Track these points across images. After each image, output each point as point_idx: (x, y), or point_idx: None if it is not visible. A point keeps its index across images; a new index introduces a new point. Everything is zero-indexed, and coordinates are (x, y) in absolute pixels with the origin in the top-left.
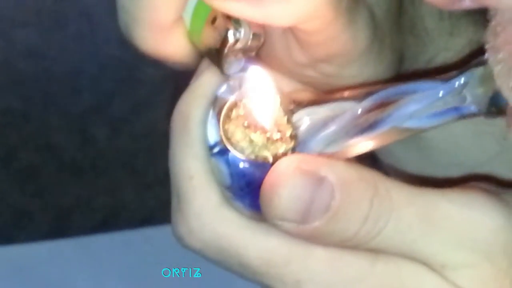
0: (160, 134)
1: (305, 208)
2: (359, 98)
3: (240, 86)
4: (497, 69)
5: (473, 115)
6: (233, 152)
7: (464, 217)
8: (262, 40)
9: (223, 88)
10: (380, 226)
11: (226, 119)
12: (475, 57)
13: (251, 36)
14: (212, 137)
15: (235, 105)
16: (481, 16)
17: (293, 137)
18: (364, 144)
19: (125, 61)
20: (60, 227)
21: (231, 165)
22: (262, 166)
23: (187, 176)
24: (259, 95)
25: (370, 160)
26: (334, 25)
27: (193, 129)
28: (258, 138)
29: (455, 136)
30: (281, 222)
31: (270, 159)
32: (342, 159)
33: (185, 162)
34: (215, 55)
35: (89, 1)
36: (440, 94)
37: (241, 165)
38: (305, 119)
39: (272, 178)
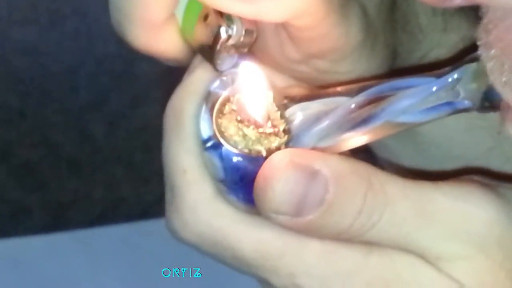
0: (157, 129)
1: (299, 201)
2: (352, 93)
3: (233, 81)
4: (489, 66)
5: (466, 110)
6: (227, 147)
7: (458, 209)
8: (254, 36)
9: (216, 83)
10: (374, 219)
11: (219, 114)
12: (468, 53)
13: (243, 32)
14: (205, 132)
15: (228, 100)
16: (475, 12)
17: (287, 131)
18: (357, 139)
19: (121, 58)
20: (58, 221)
21: (225, 159)
22: (256, 160)
23: (180, 170)
24: (252, 90)
25: (365, 154)
26: (326, 21)
27: (186, 124)
28: (251, 132)
29: (450, 130)
30: (275, 215)
31: (264, 153)
32: (335, 153)
33: (179, 156)
34: (208, 51)
35: None
36: (434, 89)
37: (235, 159)
38: (298, 114)
39: (265, 171)
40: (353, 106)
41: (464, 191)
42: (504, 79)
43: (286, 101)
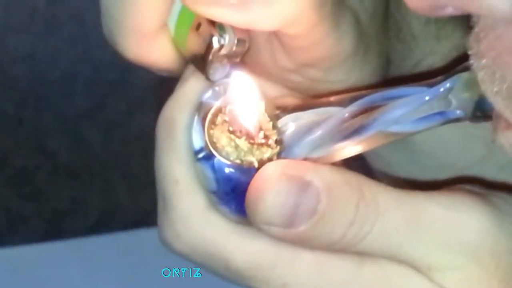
0: (153, 137)
1: (291, 213)
2: (344, 103)
3: (225, 91)
4: (480, 75)
5: (459, 119)
6: (219, 157)
7: (451, 219)
8: (247, 45)
9: (208, 94)
10: (366, 230)
11: (211, 125)
12: (460, 62)
13: (235, 42)
14: (197, 143)
15: (220, 110)
16: (468, 21)
17: (279, 142)
18: (350, 149)
19: (118, 65)
20: (54, 229)
21: (217, 170)
22: (248, 171)
23: (173, 181)
24: (244, 100)
25: (358, 164)
26: (318, 29)
27: (178, 135)
28: (243, 143)
29: (443, 139)
30: (267, 227)
31: (256, 164)
32: (327, 164)
33: (171, 167)
34: (200, 61)
35: (81, 5)
36: (426, 99)
37: (227, 170)
38: (290, 124)
39: (257, 183)
40: (345, 116)
41: (456, 201)
42: (495, 88)
43: (278, 111)
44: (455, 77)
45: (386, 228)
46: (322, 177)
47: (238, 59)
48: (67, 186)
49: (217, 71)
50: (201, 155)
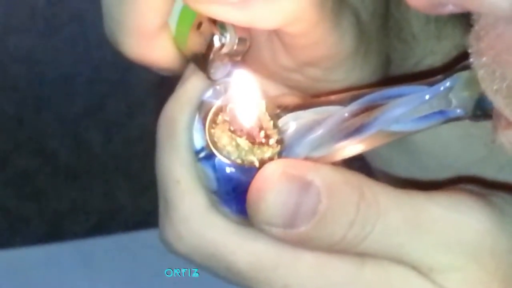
0: (154, 137)
1: (292, 213)
2: (345, 102)
3: (226, 90)
4: (480, 73)
5: (459, 118)
6: (220, 157)
7: (451, 219)
8: (247, 44)
9: (209, 93)
10: (367, 230)
11: (212, 124)
12: (461, 61)
13: (236, 41)
14: (198, 142)
15: (221, 110)
16: (468, 20)
17: (280, 141)
18: (350, 148)
19: (118, 65)
20: (55, 231)
21: (218, 169)
22: (249, 171)
23: (174, 181)
24: (245, 99)
25: (359, 163)
26: (319, 28)
27: (179, 134)
28: (244, 142)
29: (443, 139)
30: (268, 227)
31: (257, 164)
32: (328, 163)
33: (172, 167)
34: (201, 60)
35: (81, 6)
36: (426, 98)
37: (228, 169)
38: (291, 123)
39: (258, 183)
40: (346, 115)
41: (456, 201)
42: (495, 87)
43: (279, 110)
44: (455, 76)
45: (387, 229)
46: (323, 177)
47: (239, 58)
48: (68, 187)
49: (218, 70)
50: (202, 154)
